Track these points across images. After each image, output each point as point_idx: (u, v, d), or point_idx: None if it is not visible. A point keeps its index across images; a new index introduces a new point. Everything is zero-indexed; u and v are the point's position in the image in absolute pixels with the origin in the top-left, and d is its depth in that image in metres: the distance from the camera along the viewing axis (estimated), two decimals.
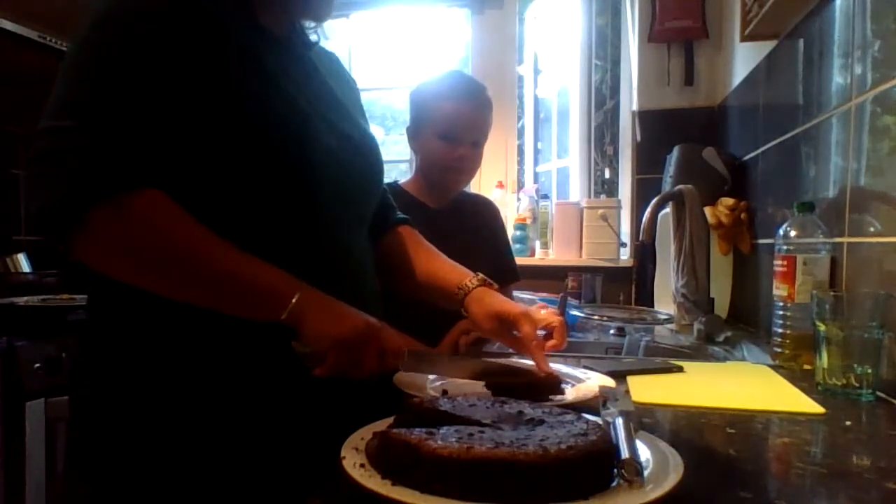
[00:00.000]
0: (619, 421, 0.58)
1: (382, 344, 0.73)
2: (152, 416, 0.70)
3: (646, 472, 0.51)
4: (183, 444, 0.69)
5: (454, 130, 1.42)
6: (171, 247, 0.66)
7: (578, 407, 0.72)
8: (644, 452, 0.55)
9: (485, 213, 1.64)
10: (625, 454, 0.51)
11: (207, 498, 0.69)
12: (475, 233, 1.57)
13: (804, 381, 0.98)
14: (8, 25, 1.85)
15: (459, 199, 1.57)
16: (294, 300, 0.68)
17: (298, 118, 0.75)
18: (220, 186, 0.71)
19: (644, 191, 2.19)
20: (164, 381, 0.70)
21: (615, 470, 0.53)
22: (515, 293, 2.11)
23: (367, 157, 0.89)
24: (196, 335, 0.71)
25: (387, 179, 1.48)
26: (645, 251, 2.17)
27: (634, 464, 0.50)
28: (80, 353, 0.78)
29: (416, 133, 1.49)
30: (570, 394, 0.85)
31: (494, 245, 1.64)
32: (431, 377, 0.93)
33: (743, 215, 1.62)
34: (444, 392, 0.89)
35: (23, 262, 2.26)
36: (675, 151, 1.92)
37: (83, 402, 0.76)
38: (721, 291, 1.70)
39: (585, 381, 0.93)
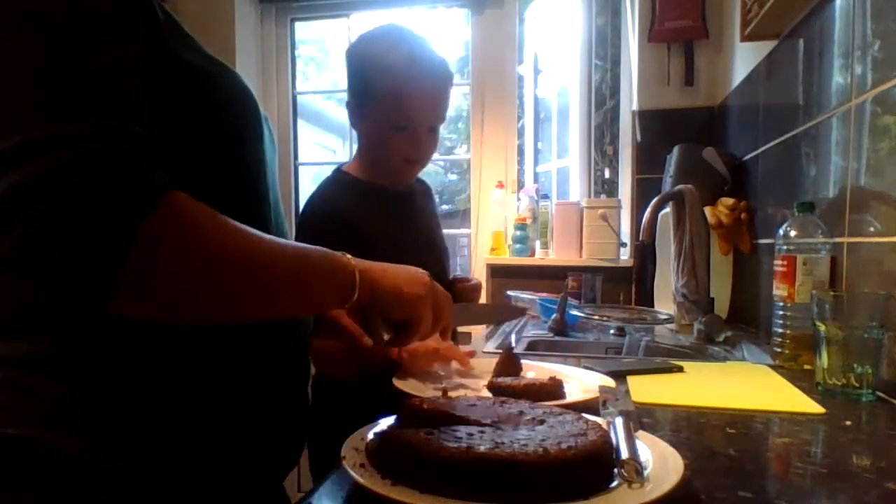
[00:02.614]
0: (619, 421, 0.58)
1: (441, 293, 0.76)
2: (145, 416, 0.63)
3: (646, 472, 0.51)
4: (177, 443, 0.66)
5: (410, 119, 1.20)
6: (237, 250, 0.56)
7: (578, 407, 0.72)
8: (644, 452, 0.55)
9: (430, 193, 1.50)
10: (625, 454, 0.51)
11: (203, 498, 0.68)
12: (432, 214, 1.46)
13: (804, 381, 0.98)
14: None
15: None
16: (357, 278, 0.66)
17: (239, 85, 0.69)
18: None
19: (644, 191, 2.19)
20: (158, 385, 0.63)
21: (615, 470, 0.53)
22: (515, 293, 2.11)
23: (270, 130, 0.83)
24: (188, 338, 0.63)
25: None
26: (645, 251, 2.16)
27: (634, 463, 0.50)
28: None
29: (360, 115, 1.25)
30: (570, 394, 0.85)
31: (440, 226, 1.50)
32: (432, 378, 0.93)
33: (743, 215, 1.62)
34: (444, 392, 0.89)
35: None
36: (675, 151, 1.92)
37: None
38: (721, 291, 1.70)
39: (585, 381, 0.93)
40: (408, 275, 0.73)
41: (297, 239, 1.27)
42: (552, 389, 0.83)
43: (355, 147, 1.36)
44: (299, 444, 0.76)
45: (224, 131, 0.65)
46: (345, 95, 1.31)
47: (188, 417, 0.62)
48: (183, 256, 0.52)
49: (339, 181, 1.32)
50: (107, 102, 0.51)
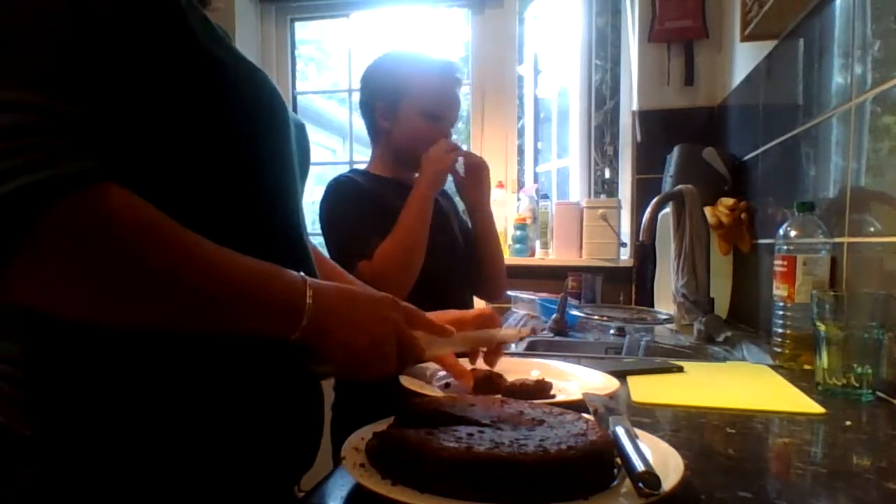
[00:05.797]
0: (620, 430, 0.57)
1: (402, 343, 0.66)
2: (160, 419, 0.61)
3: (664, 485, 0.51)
4: (191, 447, 0.63)
5: (441, 109, 1.40)
6: (161, 254, 0.51)
7: (578, 407, 0.72)
8: (644, 453, 0.55)
9: (449, 196, 1.63)
10: (640, 466, 0.49)
11: (202, 499, 0.67)
12: (446, 213, 1.54)
13: (804, 381, 0.98)
14: None
15: None
16: (305, 320, 0.59)
17: (268, 86, 0.68)
18: (182, 165, 0.60)
19: (644, 191, 2.19)
20: (171, 388, 0.61)
21: (616, 470, 0.53)
22: (515, 293, 2.11)
23: (306, 138, 0.83)
24: (201, 340, 0.61)
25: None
26: (645, 251, 2.17)
27: (653, 477, 0.48)
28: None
29: (392, 109, 1.41)
30: (572, 394, 0.85)
31: (456, 207, 1.63)
32: (437, 375, 0.93)
33: (743, 215, 1.62)
34: (447, 385, 0.89)
35: None
36: (675, 151, 1.92)
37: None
38: (721, 291, 1.70)
39: (587, 380, 0.93)
40: (363, 329, 0.63)
41: (322, 207, 1.37)
42: (535, 391, 0.83)
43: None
44: (314, 446, 0.76)
45: (238, 124, 0.63)
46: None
47: (202, 421, 0.62)
48: (87, 252, 0.48)
49: (356, 171, 1.49)
50: (41, 76, 0.48)
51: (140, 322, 0.54)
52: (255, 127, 0.65)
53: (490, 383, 0.85)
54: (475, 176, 1.46)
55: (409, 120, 1.39)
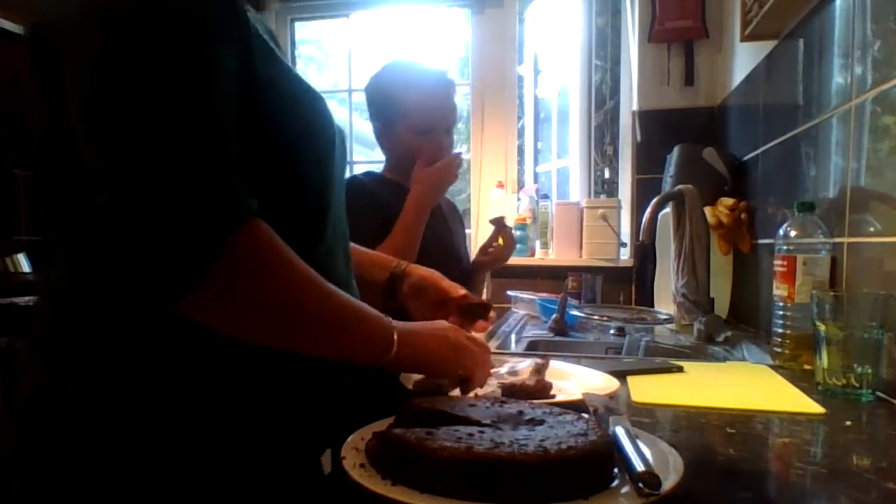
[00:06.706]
0: (620, 430, 0.57)
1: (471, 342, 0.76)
2: (140, 420, 0.62)
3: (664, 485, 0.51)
4: (176, 445, 0.63)
5: (429, 122, 1.42)
6: (303, 283, 0.59)
7: (578, 407, 0.72)
8: (645, 453, 0.55)
9: (454, 206, 1.71)
10: (640, 466, 0.50)
11: (204, 499, 0.67)
12: (452, 217, 1.62)
13: (804, 381, 0.98)
14: (7, 25, 1.85)
15: None
16: (394, 350, 0.67)
17: (321, 104, 0.72)
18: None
19: (644, 191, 2.19)
20: (199, 364, 0.63)
21: (616, 470, 0.53)
22: (515, 293, 2.11)
23: (344, 145, 0.85)
24: (190, 336, 0.63)
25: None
26: (645, 251, 2.17)
27: (653, 477, 0.49)
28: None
29: (387, 130, 1.47)
30: (572, 394, 0.85)
31: (463, 226, 1.73)
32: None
33: (743, 215, 1.62)
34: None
35: (23, 262, 2.26)
36: (675, 151, 1.92)
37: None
38: (721, 291, 1.70)
39: (587, 380, 0.93)
40: (436, 342, 0.73)
41: None
42: (535, 391, 0.82)
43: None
44: (336, 422, 0.76)
45: (288, 142, 0.66)
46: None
47: (227, 395, 0.64)
48: (250, 282, 0.55)
49: (367, 174, 1.54)
50: (209, 121, 0.53)
51: (278, 344, 0.60)
52: (299, 140, 0.67)
53: (475, 309, 0.89)
54: (503, 256, 1.57)
55: (407, 139, 1.44)
